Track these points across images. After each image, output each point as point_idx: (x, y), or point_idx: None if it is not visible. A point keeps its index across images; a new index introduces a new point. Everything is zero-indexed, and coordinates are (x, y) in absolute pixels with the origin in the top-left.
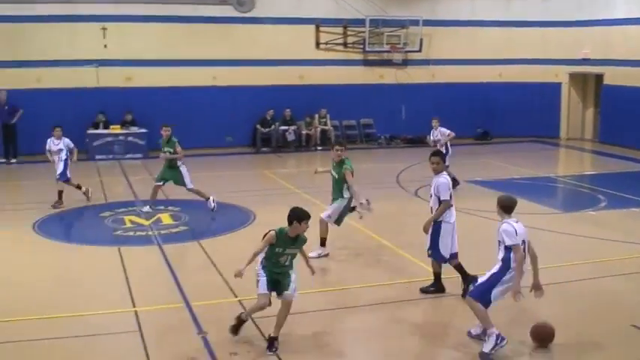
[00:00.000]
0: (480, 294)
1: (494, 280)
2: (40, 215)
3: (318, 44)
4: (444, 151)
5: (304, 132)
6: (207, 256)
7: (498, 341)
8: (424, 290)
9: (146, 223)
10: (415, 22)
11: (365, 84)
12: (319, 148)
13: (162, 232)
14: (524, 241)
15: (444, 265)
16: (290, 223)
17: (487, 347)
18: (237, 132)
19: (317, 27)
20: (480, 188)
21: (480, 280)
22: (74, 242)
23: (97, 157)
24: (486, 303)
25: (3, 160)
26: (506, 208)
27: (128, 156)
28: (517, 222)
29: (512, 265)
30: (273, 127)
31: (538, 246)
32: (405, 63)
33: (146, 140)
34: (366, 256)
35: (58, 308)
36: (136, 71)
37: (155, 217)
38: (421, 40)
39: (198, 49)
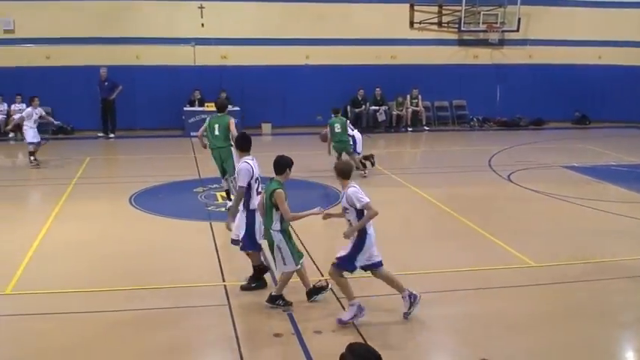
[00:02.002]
0: (346, 264)
1: (357, 249)
2: (137, 189)
3: (412, 23)
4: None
5: (395, 112)
6: (295, 233)
7: (358, 312)
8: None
9: None
10: (513, 1)
11: (459, 64)
12: (410, 129)
13: None
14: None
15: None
16: (282, 171)
17: (347, 316)
18: (329, 111)
19: (411, 6)
20: (575, 174)
21: (341, 254)
22: (168, 216)
23: (192, 133)
24: (353, 269)
25: (102, 135)
26: (346, 173)
27: None
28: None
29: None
30: (363, 107)
31: (635, 237)
32: (502, 43)
33: (239, 118)
34: (454, 240)
35: (151, 280)
36: (231, 50)
37: None
38: (519, 19)
39: (292, 28)
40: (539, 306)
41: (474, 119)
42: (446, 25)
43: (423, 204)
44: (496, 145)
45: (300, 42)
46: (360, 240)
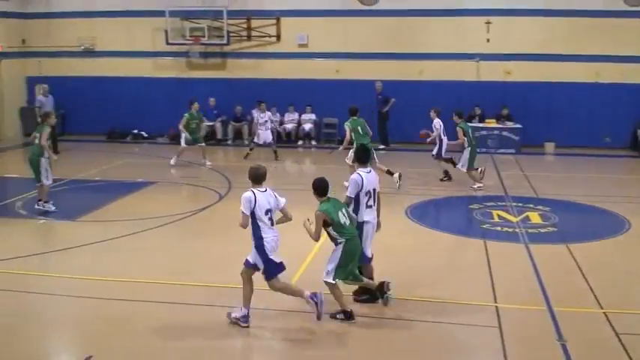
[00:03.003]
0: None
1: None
2: (413, 201)
3: None
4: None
5: None
6: (575, 261)
7: (242, 321)
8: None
9: (514, 219)
10: None
11: None
12: None
13: (530, 230)
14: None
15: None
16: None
17: (237, 314)
18: (617, 132)
19: None
20: None
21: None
22: (442, 230)
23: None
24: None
25: (382, 147)
26: (252, 177)
27: (501, 150)
28: (265, 190)
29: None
30: None
31: None
32: None
33: (520, 136)
34: None
35: (417, 291)
36: (516, 65)
37: (523, 215)
38: None
39: (581, 43)
40: None
41: None
42: None
43: None
44: None
45: (588, 58)
46: (257, 247)
